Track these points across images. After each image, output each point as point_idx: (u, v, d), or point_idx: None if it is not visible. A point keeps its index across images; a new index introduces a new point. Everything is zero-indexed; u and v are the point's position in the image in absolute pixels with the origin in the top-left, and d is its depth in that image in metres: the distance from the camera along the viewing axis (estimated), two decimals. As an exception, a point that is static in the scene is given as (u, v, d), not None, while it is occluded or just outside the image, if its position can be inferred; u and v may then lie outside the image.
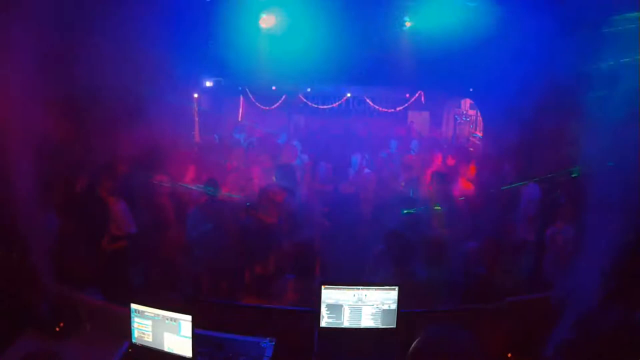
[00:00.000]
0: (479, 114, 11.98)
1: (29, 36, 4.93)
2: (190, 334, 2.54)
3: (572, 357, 2.44)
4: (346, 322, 2.79)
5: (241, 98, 12.34)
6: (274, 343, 2.76)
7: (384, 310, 2.78)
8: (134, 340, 2.67)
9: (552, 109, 7.08)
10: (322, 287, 2.77)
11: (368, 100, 12.16)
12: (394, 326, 2.78)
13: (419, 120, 12.67)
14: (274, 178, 5.49)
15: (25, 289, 3.01)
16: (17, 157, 4.70)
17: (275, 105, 12.17)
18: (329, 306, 2.78)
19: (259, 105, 12.16)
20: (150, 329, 2.63)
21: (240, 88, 12.11)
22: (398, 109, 12.26)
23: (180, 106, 9.00)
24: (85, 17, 5.55)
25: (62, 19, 5.27)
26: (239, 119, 12.17)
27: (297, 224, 4.49)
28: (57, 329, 2.82)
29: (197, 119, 10.48)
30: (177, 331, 2.56)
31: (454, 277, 3.75)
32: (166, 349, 2.61)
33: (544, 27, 6.37)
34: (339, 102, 12.28)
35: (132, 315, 2.64)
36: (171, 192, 5.33)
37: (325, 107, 12.35)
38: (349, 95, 12.31)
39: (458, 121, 13.18)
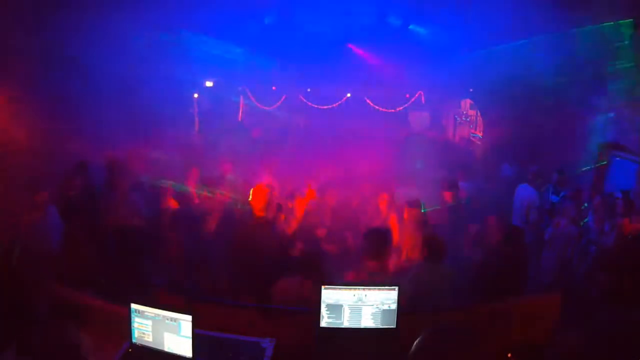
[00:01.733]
0: (479, 114, 11.99)
1: (27, 37, 4.94)
2: (190, 334, 2.54)
3: (572, 357, 2.43)
4: (346, 322, 2.79)
5: (241, 98, 12.33)
6: (274, 343, 2.76)
7: (383, 310, 2.78)
8: (134, 340, 2.66)
9: (551, 109, 7.09)
10: (322, 287, 2.77)
11: (368, 101, 12.14)
12: (394, 326, 2.78)
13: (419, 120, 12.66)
14: None
15: (25, 288, 3.01)
16: (17, 156, 4.71)
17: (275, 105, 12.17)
18: (329, 306, 2.78)
19: (259, 105, 12.16)
20: (150, 329, 2.62)
21: (240, 88, 12.11)
22: (398, 109, 12.24)
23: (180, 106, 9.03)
24: (84, 15, 5.55)
25: (62, 19, 5.28)
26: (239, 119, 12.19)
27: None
28: (57, 329, 2.81)
29: (197, 119, 10.50)
30: (177, 331, 2.56)
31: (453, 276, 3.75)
32: (166, 349, 2.61)
33: (545, 28, 6.38)
34: (339, 102, 12.27)
35: (132, 315, 2.64)
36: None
37: (325, 107, 12.33)
38: (349, 95, 12.30)
39: (458, 121, 13.19)
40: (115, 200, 4.84)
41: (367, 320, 2.79)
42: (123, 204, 4.83)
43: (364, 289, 2.77)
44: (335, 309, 2.78)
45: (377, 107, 12.13)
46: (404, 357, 1.54)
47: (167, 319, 2.58)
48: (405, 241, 4.44)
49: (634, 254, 3.79)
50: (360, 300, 2.77)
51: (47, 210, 4.26)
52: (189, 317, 2.53)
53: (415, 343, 1.52)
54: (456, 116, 13.25)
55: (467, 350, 1.46)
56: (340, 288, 2.77)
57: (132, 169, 5.58)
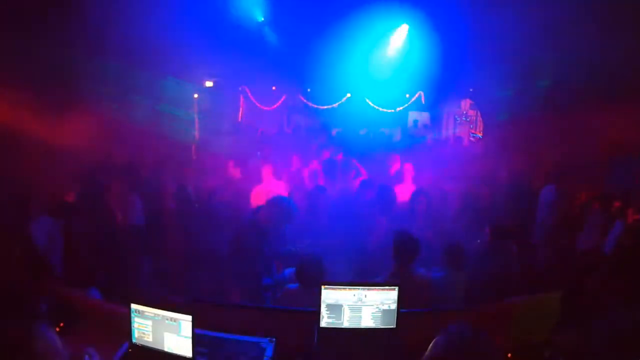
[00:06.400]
0: (479, 114, 11.99)
1: (31, 42, 4.95)
2: (190, 334, 2.53)
3: (572, 357, 2.43)
4: (346, 322, 2.79)
5: (241, 98, 12.33)
6: (274, 343, 2.75)
7: (384, 310, 2.78)
8: (134, 340, 2.66)
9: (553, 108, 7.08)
10: (322, 287, 2.77)
11: (368, 101, 12.14)
12: (394, 326, 2.78)
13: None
14: None
15: (25, 288, 3.00)
16: (18, 158, 4.71)
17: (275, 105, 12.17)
18: (329, 306, 2.77)
19: (259, 105, 12.16)
20: (150, 329, 2.62)
21: (240, 88, 12.11)
22: (398, 109, 12.24)
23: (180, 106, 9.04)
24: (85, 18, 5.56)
25: (63, 22, 5.29)
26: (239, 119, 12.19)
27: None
28: (57, 329, 2.81)
29: (197, 119, 10.51)
30: (177, 331, 2.56)
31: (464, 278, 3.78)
32: (166, 349, 2.60)
33: (544, 27, 6.37)
34: (339, 102, 12.26)
35: (132, 315, 2.64)
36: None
37: (325, 107, 12.33)
38: (349, 95, 12.29)
39: (458, 121, 13.18)
40: (114, 200, 4.86)
41: (367, 321, 2.79)
42: (122, 204, 4.85)
43: (364, 289, 2.77)
44: (335, 309, 2.78)
45: (377, 107, 12.13)
46: (404, 357, 1.53)
47: (167, 319, 2.57)
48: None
49: (634, 254, 3.78)
50: (360, 300, 2.77)
51: (40, 217, 4.26)
52: (189, 317, 2.52)
53: (434, 341, 1.49)
54: (456, 116, 13.23)
55: (489, 351, 1.43)
56: (340, 288, 2.77)
57: (134, 169, 5.60)
